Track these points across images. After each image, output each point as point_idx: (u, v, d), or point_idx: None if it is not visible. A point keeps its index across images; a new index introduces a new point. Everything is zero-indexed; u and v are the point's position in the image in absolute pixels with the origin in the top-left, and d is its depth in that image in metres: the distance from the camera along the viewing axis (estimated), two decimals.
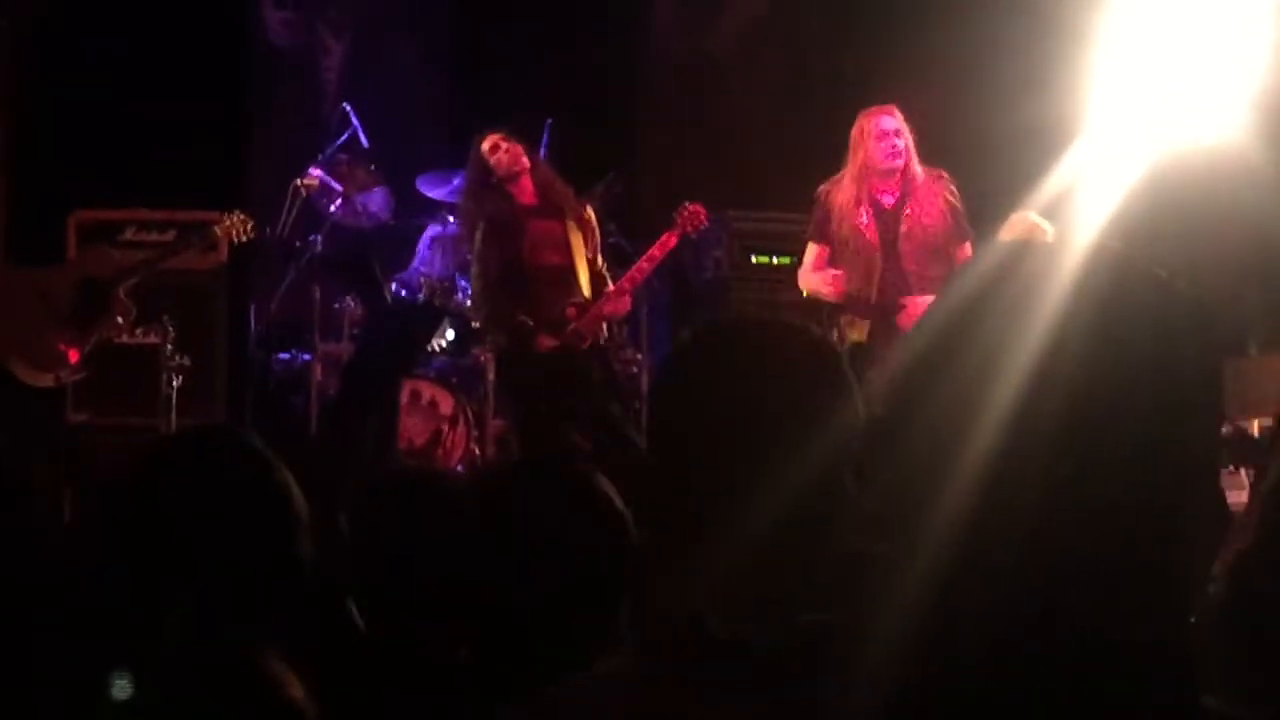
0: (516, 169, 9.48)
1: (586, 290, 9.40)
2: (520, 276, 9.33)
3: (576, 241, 9.45)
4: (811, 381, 2.29)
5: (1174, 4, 10.01)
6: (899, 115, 8.94)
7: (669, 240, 9.62)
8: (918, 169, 8.91)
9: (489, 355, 10.31)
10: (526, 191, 9.50)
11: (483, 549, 3.02)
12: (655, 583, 2.36)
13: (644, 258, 9.61)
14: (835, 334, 9.02)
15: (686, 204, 9.71)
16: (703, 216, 9.75)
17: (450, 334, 10.69)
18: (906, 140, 8.88)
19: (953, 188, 8.92)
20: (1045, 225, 9.14)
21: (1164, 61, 10.01)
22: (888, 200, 8.95)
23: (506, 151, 9.49)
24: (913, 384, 1.69)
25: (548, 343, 9.21)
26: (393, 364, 9.05)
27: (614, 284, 9.65)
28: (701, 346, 2.39)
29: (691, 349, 2.39)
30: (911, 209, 8.86)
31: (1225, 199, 10.08)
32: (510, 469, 3.99)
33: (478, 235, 9.40)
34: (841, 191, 8.92)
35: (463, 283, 10.82)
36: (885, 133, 8.82)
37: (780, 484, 2.16)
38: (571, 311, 9.31)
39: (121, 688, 2.37)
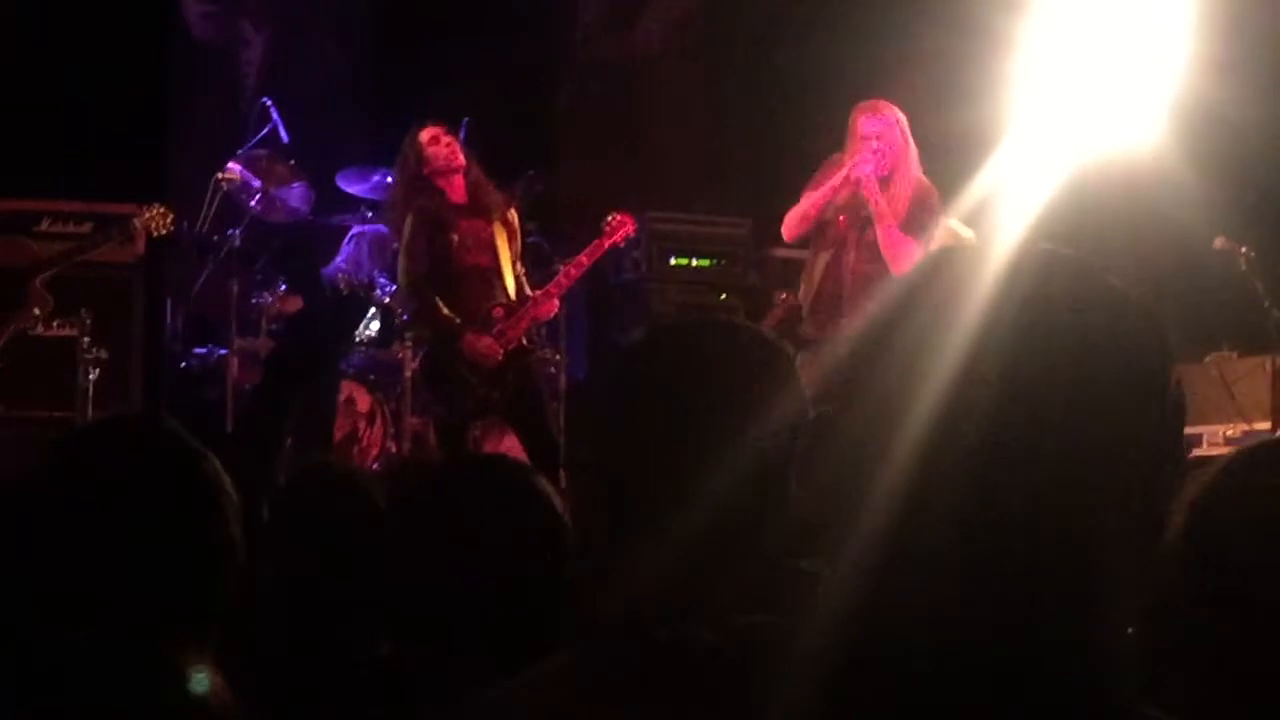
0: (453, 164, 9.39)
1: (512, 292, 9.36)
2: (447, 274, 9.24)
3: (502, 243, 9.39)
4: (759, 381, 2.30)
5: (1093, 12, 10.10)
6: (886, 114, 8.83)
7: (598, 247, 9.59)
8: (908, 168, 8.83)
9: (407, 351, 10.29)
10: (458, 189, 9.39)
11: (415, 547, 3.01)
12: (594, 584, 2.36)
13: (572, 263, 9.54)
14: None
15: (615, 214, 9.68)
16: (631, 226, 9.72)
17: (375, 325, 10.65)
18: (893, 139, 8.79)
19: (929, 199, 8.84)
20: (966, 232, 9.21)
21: (1084, 68, 10.10)
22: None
23: (446, 145, 9.40)
24: (843, 386, 1.71)
25: (474, 340, 9.15)
26: (322, 355, 9.03)
27: (532, 286, 9.62)
28: (650, 347, 2.40)
29: (640, 349, 2.39)
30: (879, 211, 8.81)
31: (1143, 206, 10.19)
32: (450, 467, 3.98)
33: (406, 227, 9.31)
34: (835, 170, 8.89)
35: (382, 280, 10.79)
36: (866, 136, 8.77)
37: (724, 485, 2.17)
38: (498, 311, 9.27)
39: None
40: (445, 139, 9.42)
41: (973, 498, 1.56)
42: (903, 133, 8.82)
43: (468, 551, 2.92)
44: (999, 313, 1.61)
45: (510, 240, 9.46)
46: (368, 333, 10.68)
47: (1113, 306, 1.65)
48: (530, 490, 3.02)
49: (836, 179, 8.77)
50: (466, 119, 11.01)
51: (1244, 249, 9.96)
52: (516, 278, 9.47)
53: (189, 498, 2.52)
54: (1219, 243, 10.00)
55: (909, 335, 1.64)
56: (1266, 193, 10.39)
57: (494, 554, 2.92)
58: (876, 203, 8.69)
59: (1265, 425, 10.32)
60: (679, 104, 13.05)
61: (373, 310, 10.64)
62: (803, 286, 9.12)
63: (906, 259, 8.67)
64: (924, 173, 8.95)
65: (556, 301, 9.58)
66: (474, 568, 2.91)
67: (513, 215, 9.57)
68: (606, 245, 9.61)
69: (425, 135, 9.38)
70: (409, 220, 9.29)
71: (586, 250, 9.55)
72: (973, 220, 9.08)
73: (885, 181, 8.76)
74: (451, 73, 12.27)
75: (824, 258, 8.90)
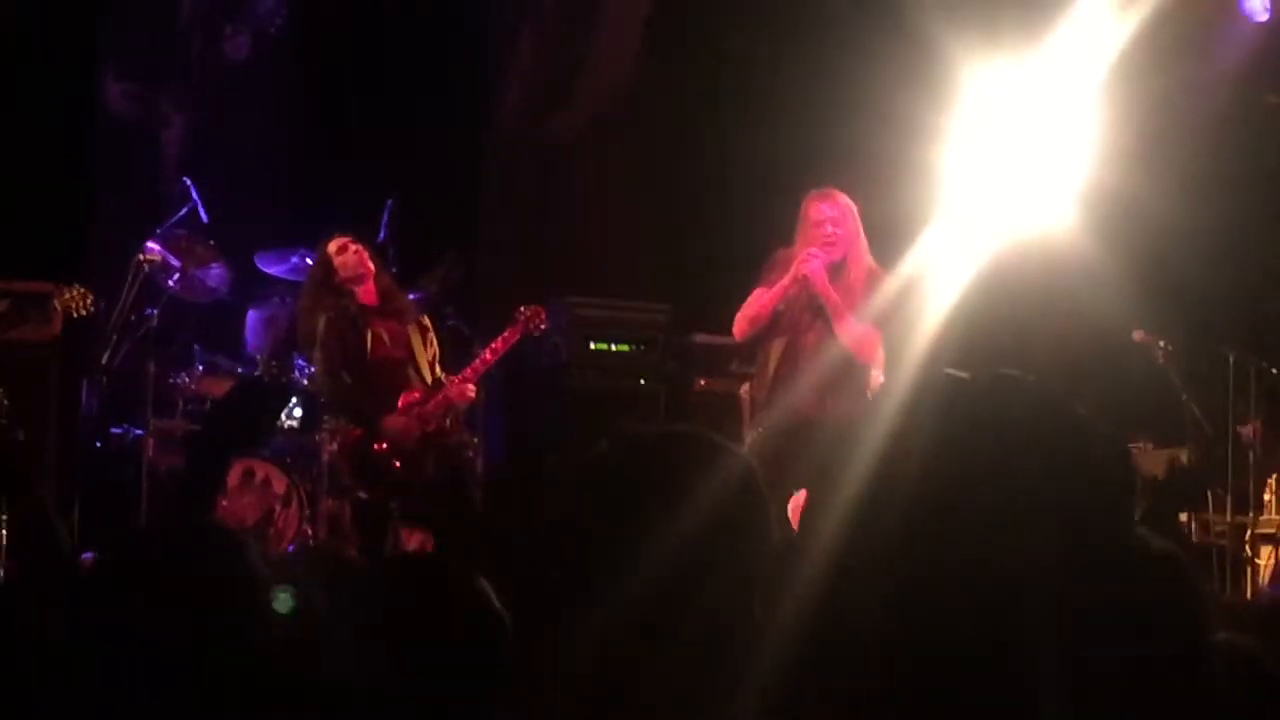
0: (361, 271, 9.53)
1: (428, 380, 9.46)
2: (361, 367, 9.36)
3: (416, 341, 9.54)
4: (723, 495, 2.31)
5: (1014, 105, 10.23)
6: (840, 200, 8.85)
7: (510, 337, 9.68)
8: (860, 256, 8.82)
9: (325, 435, 10.24)
10: (369, 294, 9.58)
11: (359, 645, 2.98)
12: (531, 687, 2.37)
13: (486, 350, 9.66)
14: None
15: (525, 307, 9.77)
16: (543, 318, 9.87)
17: (299, 412, 10.61)
18: (845, 227, 8.80)
19: (878, 282, 8.85)
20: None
21: (1004, 160, 10.23)
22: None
23: (354, 254, 9.53)
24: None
25: (390, 420, 9.20)
26: (239, 440, 9.00)
27: (450, 369, 9.66)
28: (614, 459, 2.40)
29: (603, 461, 2.39)
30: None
31: (1063, 296, 10.29)
32: (391, 562, 3.96)
33: (320, 327, 9.38)
34: (785, 264, 8.88)
35: (300, 363, 10.75)
36: (819, 222, 8.79)
37: (684, 598, 2.18)
38: (416, 394, 9.33)
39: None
40: (353, 247, 9.58)
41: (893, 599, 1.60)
42: (854, 219, 8.84)
43: (407, 649, 2.90)
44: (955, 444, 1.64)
45: (424, 339, 9.56)
46: (290, 421, 10.64)
47: (1077, 435, 1.67)
48: (470, 590, 3.01)
49: (786, 280, 8.76)
50: (390, 200, 11.02)
51: (1162, 342, 10.08)
52: (431, 369, 9.55)
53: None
54: (1138, 335, 10.11)
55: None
56: (1182, 287, 10.52)
57: (433, 652, 2.90)
58: (829, 297, 8.70)
59: (1183, 516, 10.42)
60: (602, 187, 13.07)
61: (294, 398, 10.62)
62: (756, 378, 9.11)
63: (869, 347, 8.73)
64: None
65: (472, 387, 9.63)
66: (413, 664, 2.89)
67: (427, 321, 9.69)
68: (515, 339, 9.73)
69: (333, 245, 9.59)
70: (322, 321, 9.38)
71: (499, 339, 9.67)
72: (893, 307, 9.14)
73: (838, 268, 8.78)
74: (374, 153, 12.27)
75: (779, 345, 8.89)
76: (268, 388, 9.58)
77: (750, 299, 8.93)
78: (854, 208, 8.86)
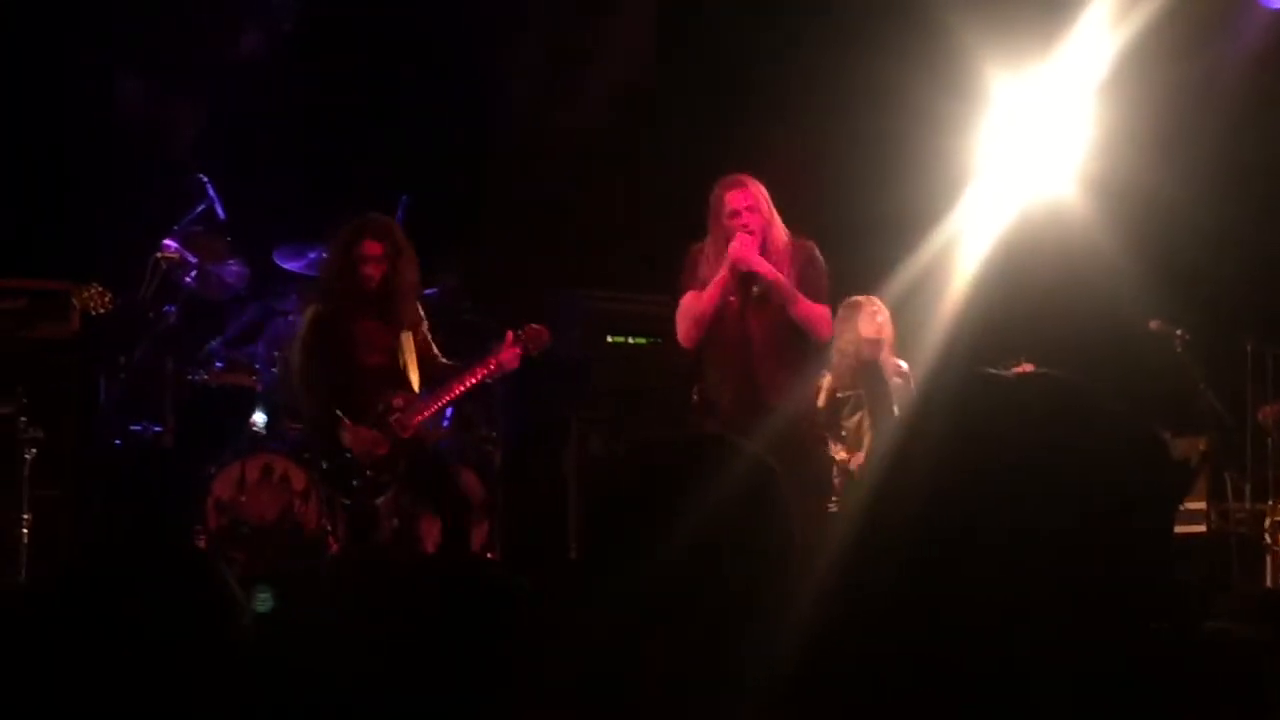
0: (376, 279, 9.20)
1: (415, 385, 9.29)
2: (347, 371, 9.18)
3: (408, 347, 9.29)
4: (742, 497, 2.32)
5: (1029, 93, 10.22)
6: (752, 186, 8.71)
7: (509, 358, 9.45)
8: (778, 235, 8.71)
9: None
10: (373, 296, 9.24)
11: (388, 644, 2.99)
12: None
13: (480, 366, 9.42)
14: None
15: (530, 325, 9.54)
16: (545, 337, 9.57)
17: (261, 417, 10.55)
18: (760, 211, 8.66)
19: (814, 255, 8.74)
20: (867, 304, 9.27)
21: (1018, 148, 10.22)
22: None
23: (376, 265, 9.16)
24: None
25: (353, 430, 9.11)
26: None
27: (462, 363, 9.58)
28: (631, 462, 2.41)
29: (621, 466, 2.41)
30: (759, 281, 8.71)
31: (1079, 286, 10.28)
32: (425, 564, 3.95)
33: (306, 320, 9.27)
34: (705, 261, 8.80)
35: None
36: (735, 210, 8.65)
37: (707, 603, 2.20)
38: (398, 401, 9.17)
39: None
40: (380, 256, 9.20)
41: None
42: (767, 203, 8.71)
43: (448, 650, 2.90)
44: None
45: (416, 344, 9.33)
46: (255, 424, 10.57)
47: (1108, 432, 1.67)
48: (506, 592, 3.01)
49: (723, 271, 8.63)
50: (405, 197, 11.02)
51: (1179, 331, 10.07)
52: (426, 365, 9.36)
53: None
54: (1155, 324, 10.10)
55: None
56: (1199, 275, 10.51)
57: (466, 652, 2.91)
58: (773, 275, 8.59)
59: (1199, 504, 10.41)
60: (617, 181, 13.07)
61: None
62: (708, 376, 8.91)
63: (824, 322, 8.64)
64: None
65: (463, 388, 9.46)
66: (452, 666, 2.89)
67: (424, 327, 9.42)
68: (518, 357, 9.50)
69: (364, 248, 9.18)
70: (309, 314, 9.24)
71: (495, 358, 9.42)
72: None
73: (761, 252, 8.66)
74: (390, 149, 12.27)
75: (724, 342, 8.73)
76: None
77: (684, 304, 8.81)
78: (765, 192, 8.73)
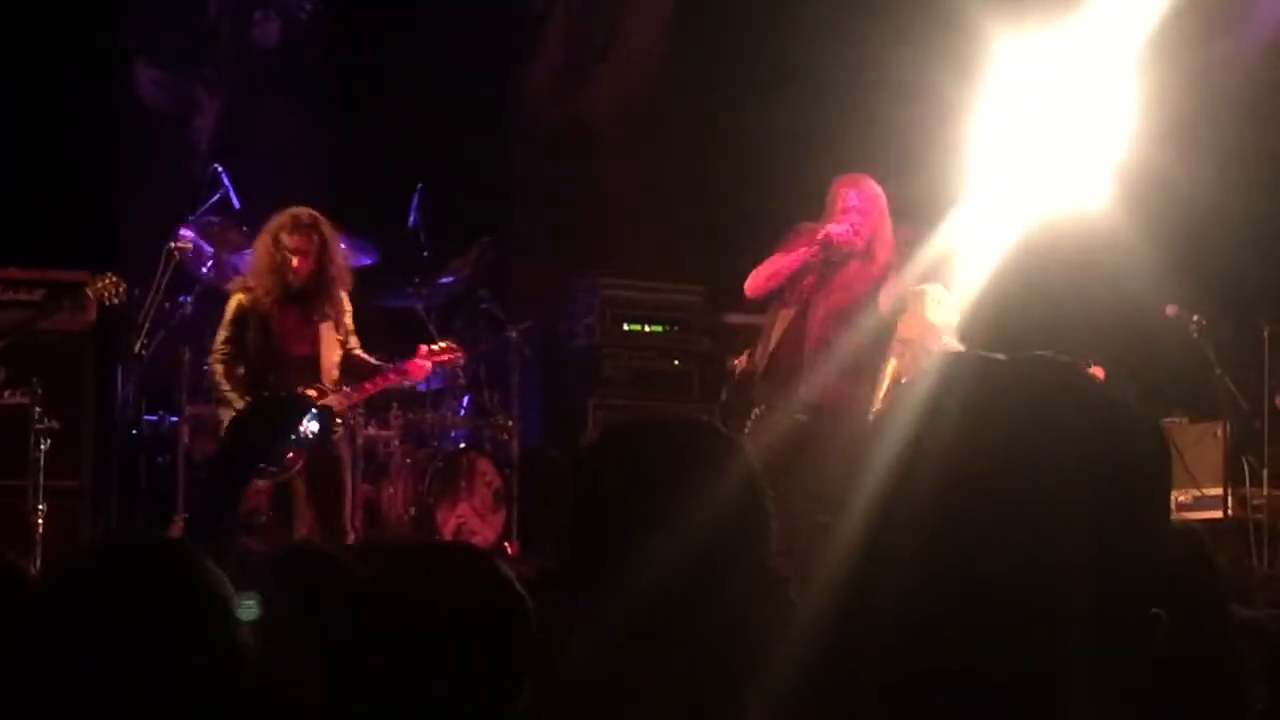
0: (302, 273, 9.23)
1: (334, 375, 9.34)
2: (265, 358, 9.23)
3: (328, 336, 9.34)
4: (716, 476, 2.31)
5: (1044, 79, 10.19)
6: (866, 188, 8.89)
7: (414, 369, 9.53)
8: (884, 245, 8.87)
9: (358, 420, 10.29)
10: (298, 288, 9.27)
11: (382, 634, 2.99)
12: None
13: (394, 371, 9.51)
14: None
15: (448, 342, 9.72)
16: (458, 355, 9.79)
17: (315, 425, 10.54)
18: (871, 215, 8.82)
19: (899, 253, 8.86)
20: (932, 291, 9.27)
21: (1035, 135, 10.19)
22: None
23: (304, 259, 9.21)
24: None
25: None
26: (257, 455, 9.02)
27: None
28: (605, 448, 2.40)
29: (596, 450, 2.40)
30: (847, 271, 8.83)
31: (1095, 272, 10.25)
32: (414, 550, 3.96)
33: (231, 305, 9.29)
34: (807, 236, 8.89)
35: None
36: (846, 209, 8.80)
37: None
38: (311, 394, 9.21)
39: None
40: (305, 243, 9.24)
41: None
42: (880, 207, 8.85)
43: (435, 637, 2.90)
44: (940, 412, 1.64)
45: (339, 326, 9.37)
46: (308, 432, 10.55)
47: (1108, 415, 1.66)
48: (495, 577, 3.01)
49: (813, 243, 8.78)
50: (420, 185, 11.03)
51: (1195, 316, 10.04)
52: (347, 358, 9.41)
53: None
54: (1171, 310, 10.08)
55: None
56: (1215, 260, 10.48)
57: (458, 639, 2.91)
58: (852, 242, 8.74)
59: (1216, 490, 10.38)
60: (633, 168, 13.07)
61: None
62: (760, 347, 9.10)
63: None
64: None
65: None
66: (441, 652, 2.89)
67: (347, 318, 9.45)
68: (425, 370, 9.60)
69: (291, 239, 9.24)
70: (234, 301, 9.27)
71: (395, 370, 9.49)
72: (928, 282, 9.11)
73: (863, 256, 8.82)
74: (405, 137, 12.28)
75: (785, 316, 8.90)
76: (282, 403, 9.46)
77: (768, 260, 8.97)
78: (881, 195, 8.86)
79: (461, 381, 10.90)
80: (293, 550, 3.85)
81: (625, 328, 11.71)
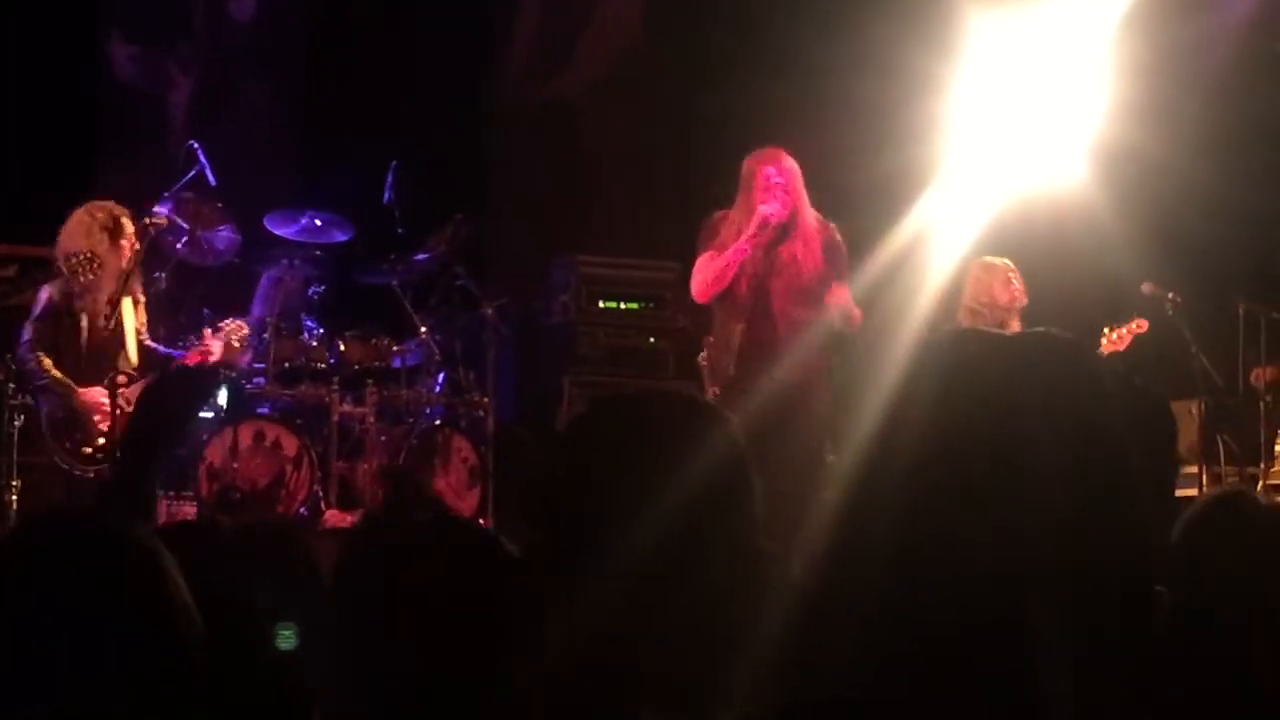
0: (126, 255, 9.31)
1: (134, 362, 9.35)
2: (75, 345, 9.21)
3: (128, 317, 9.34)
4: (699, 448, 2.31)
5: (1019, 56, 10.20)
6: (786, 161, 8.68)
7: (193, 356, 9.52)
8: (806, 214, 8.68)
9: (335, 395, 10.31)
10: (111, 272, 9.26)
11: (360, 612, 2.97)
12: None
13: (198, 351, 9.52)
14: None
15: (230, 321, 9.72)
16: (242, 332, 9.72)
17: (224, 398, 10.54)
18: (793, 188, 8.64)
19: (837, 237, 8.72)
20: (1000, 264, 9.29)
21: (1010, 112, 10.20)
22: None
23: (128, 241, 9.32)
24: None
25: (87, 393, 9.12)
26: (164, 434, 9.02)
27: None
28: (592, 420, 2.40)
29: (582, 423, 2.40)
30: (786, 249, 8.68)
31: (1070, 249, 10.27)
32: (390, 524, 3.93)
33: (42, 296, 9.23)
34: (729, 226, 8.75)
35: (309, 323, 10.77)
36: (770, 185, 8.61)
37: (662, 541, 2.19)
38: (121, 379, 9.20)
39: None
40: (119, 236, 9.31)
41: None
42: (799, 180, 8.69)
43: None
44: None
45: (137, 313, 9.40)
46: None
47: (1084, 389, 1.66)
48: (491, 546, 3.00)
49: (751, 227, 8.59)
50: (395, 162, 11.01)
51: (1171, 294, 10.05)
52: (140, 346, 9.40)
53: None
54: (1147, 288, 10.09)
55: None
56: (1190, 238, 10.49)
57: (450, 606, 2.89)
58: (783, 216, 8.60)
59: (1192, 468, 10.41)
60: (608, 146, 13.06)
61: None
62: (716, 343, 8.86)
63: (847, 301, 8.61)
64: (846, 217, 8.90)
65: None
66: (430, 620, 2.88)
67: (140, 294, 9.47)
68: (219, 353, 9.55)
69: (131, 231, 9.35)
70: (46, 291, 9.20)
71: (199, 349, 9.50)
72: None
73: (788, 228, 8.65)
74: (380, 114, 12.25)
75: (742, 311, 8.69)
76: (193, 376, 9.44)
77: (702, 261, 8.76)
78: (798, 169, 8.71)
79: (437, 358, 10.90)
80: (262, 526, 3.81)
81: (601, 305, 11.72)
